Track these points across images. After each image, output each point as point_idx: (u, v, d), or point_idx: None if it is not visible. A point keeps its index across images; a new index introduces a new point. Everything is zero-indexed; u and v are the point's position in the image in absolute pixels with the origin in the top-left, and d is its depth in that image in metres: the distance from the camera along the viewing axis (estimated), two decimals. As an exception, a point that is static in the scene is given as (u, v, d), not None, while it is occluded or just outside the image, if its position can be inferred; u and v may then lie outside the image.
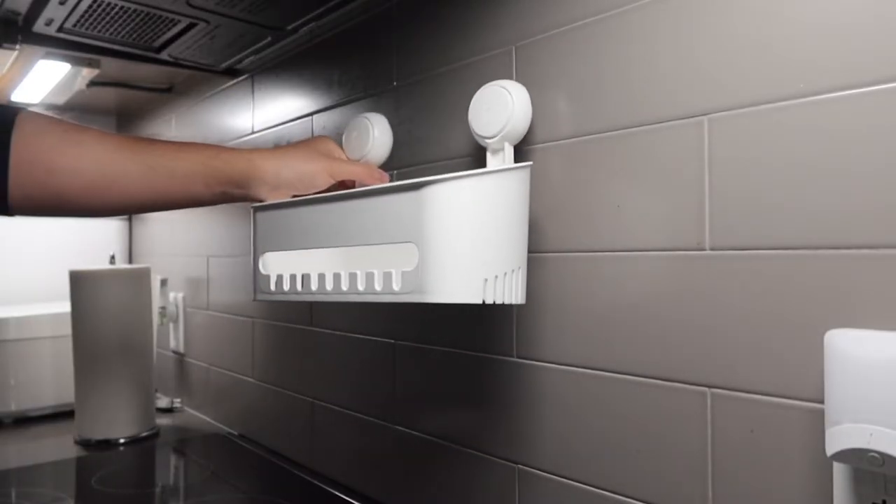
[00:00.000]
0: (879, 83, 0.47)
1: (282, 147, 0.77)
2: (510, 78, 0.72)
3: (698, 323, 0.57)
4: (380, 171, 0.75)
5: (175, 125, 1.53)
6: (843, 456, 0.45)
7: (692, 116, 0.57)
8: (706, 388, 0.56)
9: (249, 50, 1.10)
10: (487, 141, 0.68)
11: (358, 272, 0.61)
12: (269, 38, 1.04)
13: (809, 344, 0.50)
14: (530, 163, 0.66)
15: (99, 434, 1.25)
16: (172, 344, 1.54)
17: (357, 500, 0.94)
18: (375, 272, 0.60)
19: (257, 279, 0.72)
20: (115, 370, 1.24)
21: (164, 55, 1.13)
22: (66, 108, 1.55)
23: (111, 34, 1.04)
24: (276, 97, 1.15)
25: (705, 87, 0.56)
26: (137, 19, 0.97)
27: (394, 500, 0.91)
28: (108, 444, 1.24)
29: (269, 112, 1.16)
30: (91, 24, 0.99)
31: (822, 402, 0.48)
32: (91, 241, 1.76)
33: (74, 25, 0.99)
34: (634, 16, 0.61)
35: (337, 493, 0.97)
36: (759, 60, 0.53)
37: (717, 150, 0.56)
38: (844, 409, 0.45)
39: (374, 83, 0.92)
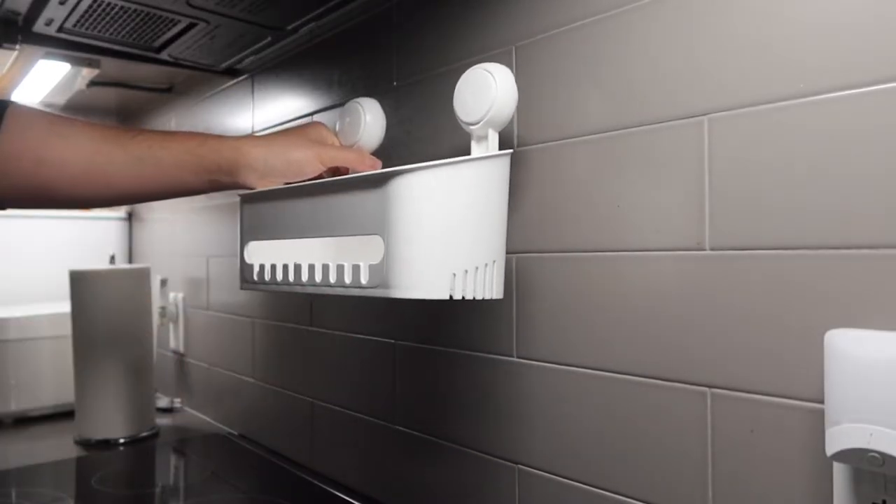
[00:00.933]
0: (879, 83, 0.47)
1: (272, 134, 0.76)
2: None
3: (698, 323, 0.57)
4: (371, 157, 0.74)
5: (175, 125, 1.53)
6: (843, 456, 0.45)
7: (692, 116, 0.57)
8: (706, 388, 0.56)
9: (249, 50, 1.10)
10: (471, 128, 0.65)
11: (330, 264, 0.60)
12: (269, 38, 1.04)
13: (809, 344, 0.50)
14: (509, 151, 0.64)
15: (99, 434, 1.25)
16: (172, 344, 1.54)
17: (357, 500, 0.94)
18: (346, 265, 0.59)
19: (243, 269, 0.72)
20: (115, 370, 1.24)
21: (164, 55, 1.12)
22: (67, 108, 1.55)
23: (111, 34, 1.04)
24: (276, 97, 1.15)
25: (705, 87, 0.56)
26: (137, 19, 0.97)
27: (394, 500, 0.91)
28: (108, 444, 1.24)
29: (269, 112, 1.16)
30: (91, 24, 0.99)
31: (822, 402, 0.48)
32: (91, 241, 1.76)
33: (74, 25, 0.99)
34: (634, 16, 0.61)
35: (337, 493, 0.97)
36: (759, 60, 0.53)
37: (717, 150, 0.56)
38: (844, 409, 0.45)
39: (374, 83, 0.92)
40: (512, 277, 0.72)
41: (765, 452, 0.53)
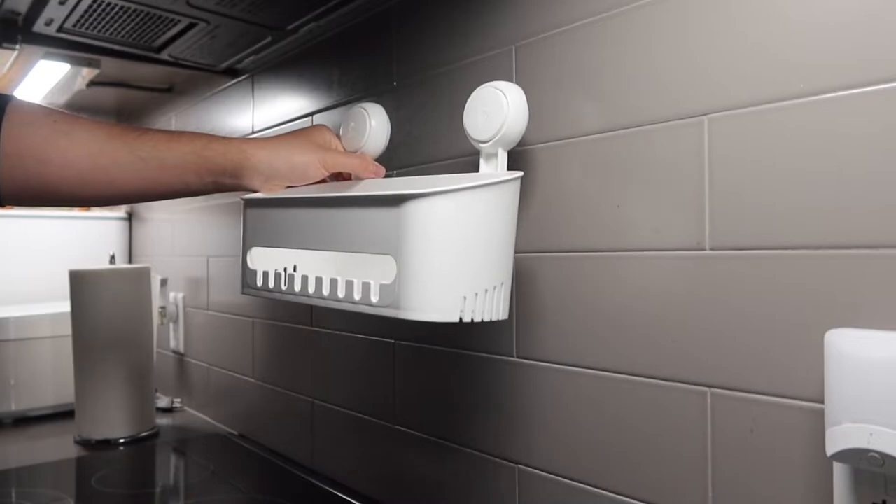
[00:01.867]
0: (879, 83, 0.47)
1: (276, 136, 0.76)
2: (510, 78, 0.72)
3: (698, 323, 0.57)
4: (375, 163, 0.74)
5: (175, 125, 1.53)
6: (843, 456, 0.45)
7: (692, 116, 0.57)
8: (706, 388, 0.56)
9: (249, 50, 1.10)
10: (481, 145, 0.65)
11: (339, 279, 0.60)
12: (269, 38, 1.04)
13: (809, 344, 0.50)
14: (520, 173, 0.64)
15: (99, 434, 1.25)
16: (172, 344, 1.54)
17: (357, 500, 0.94)
18: (355, 281, 0.59)
19: (245, 274, 0.72)
20: (114, 370, 1.24)
21: (164, 55, 1.12)
22: (66, 108, 1.55)
23: (111, 34, 1.04)
24: (276, 97, 1.15)
25: (705, 87, 0.56)
26: (137, 19, 0.97)
27: (394, 500, 0.91)
28: (108, 444, 1.24)
29: (269, 112, 1.16)
30: (91, 24, 0.99)
31: (822, 402, 0.48)
32: (91, 241, 1.76)
33: (74, 25, 0.99)
34: (634, 16, 0.61)
35: (337, 493, 0.97)
36: (759, 60, 0.53)
37: (717, 150, 0.56)
38: (844, 409, 0.45)
39: (374, 83, 0.92)
40: (512, 277, 0.72)
41: (765, 452, 0.53)
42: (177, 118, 1.52)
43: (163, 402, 1.48)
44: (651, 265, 0.60)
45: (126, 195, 0.72)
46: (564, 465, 0.68)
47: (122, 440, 1.25)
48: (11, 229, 1.68)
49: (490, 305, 0.60)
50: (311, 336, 1.07)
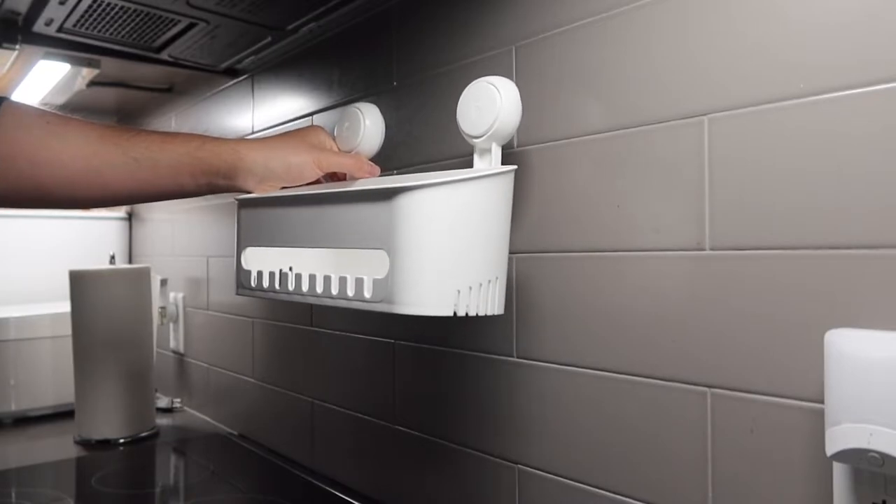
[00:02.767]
0: (879, 83, 0.47)
1: (271, 137, 0.75)
2: (510, 78, 0.72)
3: (698, 323, 0.57)
4: (370, 163, 0.74)
5: (175, 125, 1.53)
6: (843, 456, 0.45)
7: (692, 116, 0.57)
8: (706, 388, 0.56)
9: (249, 50, 1.10)
10: (474, 141, 0.65)
11: (332, 276, 0.60)
12: (269, 38, 1.04)
13: (809, 344, 0.50)
14: (514, 167, 0.64)
15: (99, 434, 1.25)
16: (172, 344, 1.54)
17: (357, 500, 0.94)
18: (348, 277, 0.58)
19: (239, 274, 0.72)
20: (114, 370, 1.24)
21: (164, 55, 1.12)
22: (66, 108, 1.55)
23: (111, 34, 1.04)
24: (276, 97, 1.15)
25: (705, 87, 0.56)
26: (137, 19, 0.97)
27: (394, 500, 0.91)
28: (108, 444, 1.24)
29: (269, 112, 1.16)
30: (91, 24, 0.99)
31: (822, 402, 0.48)
32: (91, 241, 1.76)
33: (74, 25, 0.99)
34: (634, 16, 0.61)
35: (337, 493, 0.97)
36: (759, 60, 0.53)
37: (717, 150, 0.56)
38: (844, 409, 0.45)
39: (374, 83, 0.92)
40: (512, 277, 0.72)
41: (765, 452, 0.53)
42: (177, 118, 1.52)
43: (163, 402, 1.48)
44: (651, 265, 0.60)
45: (120, 197, 0.72)
46: (564, 465, 0.68)
47: (122, 440, 1.25)
48: (11, 229, 1.68)
49: (485, 299, 0.60)
50: (311, 336, 1.07)
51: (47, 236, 1.72)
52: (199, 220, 1.43)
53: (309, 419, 1.08)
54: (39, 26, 0.99)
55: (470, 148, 0.67)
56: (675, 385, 0.59)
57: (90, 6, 0.92)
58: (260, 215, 0.70)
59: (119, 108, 1.72)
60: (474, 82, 0.66)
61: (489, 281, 0.60)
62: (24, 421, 1.40)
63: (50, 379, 1.43)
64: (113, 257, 1.47)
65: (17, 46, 1.04)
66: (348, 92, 0.97)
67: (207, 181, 0.70)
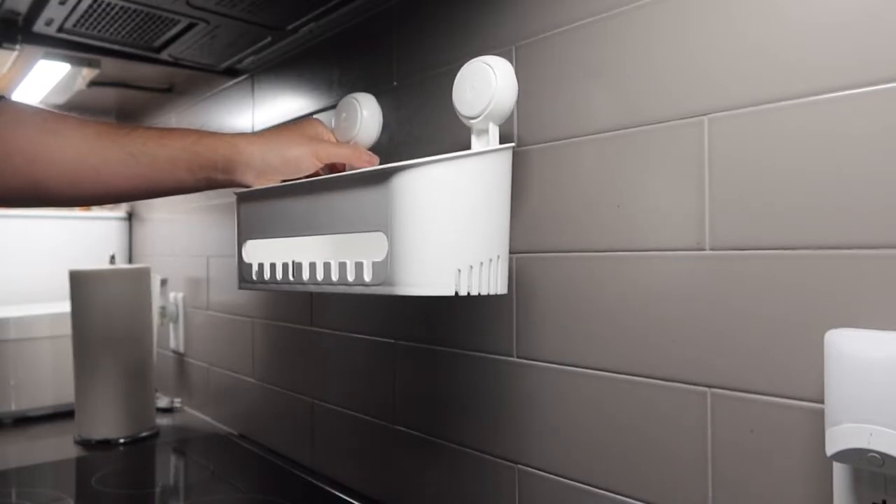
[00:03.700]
0: (879, 83, 0.47)
1: (268, 130, 0.75)
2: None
3: (698, 323, 0.57)
4: (368, 153, 0.73)
5: (175, 125, 1.53)
6: (843, 456, 0.45)
7: (692, 116, 0.57)
8: (706, 388, 0.56)
9: (249, 50, 1.10)
10: (471, 122, 0.65)
11: (332, 262, 0.59)
12: (269, 38, 1.04)
13: (809, 344, 0.50)
14: (511, 144, 0.64)
15: (99, 434, 1.25)
16: (172, 344, 1.54)
17: (357, 500, 0.94)
18: (348, 262, 0.58)
19: (241, 268, 0.72)
20: (115, 370, 1.24)
21: (164, 55, 1.12)
22: (67, 108, 1.55)
23: (111, 34, 1.04)
24: (276, 97, 1.15)
25: (705, 87, 0.56)
26: (137, 19, 0.97)
27: (394, 500, 0.91)
28: (108, 444, 1.24)
29: (269, 112, 1.16)
30: (91, 24, 0.99)
31: (822, 402, 0.48)
32: (91, 241, 1.76)
33: (74, 25, 0.99)
34: (634, 16, 0.61)
35: (337, 493, 0.97)
36: (759, 60, 0.53)
37: (717, 150, 0.56)
38: (844, 409, 0.45)
39: (374, 83, 0.92)
40: (512, 277, 0.72)
41: (765, 452, 0.53)
42: (177, 118, 1.52)
43: (163, 402, 1.48)
44: (651, 265, 0.60)
45: (118, 193, 0.71)
46: (564, 465, 0.68)
47: (122, 440, 1.25)
48: (11, 229, 1.68)
49: (486, 279, 0.59)
50: (311, 336, 1.07)
51: (47, 236, 1.72)
52: (199, 220, 1.43)
53: (309, 419, 1.08)
54: (39, 26, 0.99)
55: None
56: (675, 385, 0.59)
57: (90, 6, 0.92)
58: (259, 208, 0.70)
59: (119, 108, 1.72)
60: (469, 63, 0.66)
61: (490, 260, 0.60)
62: (24, 421, 1.40)
63: (50, 379, 1.43)
64: (113, 257, 1.47)
65: (17, 46, 1.04)
66: (348, 92, 0.96)
67: (205, 175, 0.70)
